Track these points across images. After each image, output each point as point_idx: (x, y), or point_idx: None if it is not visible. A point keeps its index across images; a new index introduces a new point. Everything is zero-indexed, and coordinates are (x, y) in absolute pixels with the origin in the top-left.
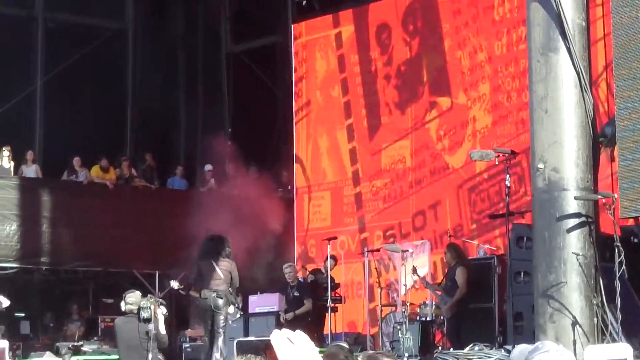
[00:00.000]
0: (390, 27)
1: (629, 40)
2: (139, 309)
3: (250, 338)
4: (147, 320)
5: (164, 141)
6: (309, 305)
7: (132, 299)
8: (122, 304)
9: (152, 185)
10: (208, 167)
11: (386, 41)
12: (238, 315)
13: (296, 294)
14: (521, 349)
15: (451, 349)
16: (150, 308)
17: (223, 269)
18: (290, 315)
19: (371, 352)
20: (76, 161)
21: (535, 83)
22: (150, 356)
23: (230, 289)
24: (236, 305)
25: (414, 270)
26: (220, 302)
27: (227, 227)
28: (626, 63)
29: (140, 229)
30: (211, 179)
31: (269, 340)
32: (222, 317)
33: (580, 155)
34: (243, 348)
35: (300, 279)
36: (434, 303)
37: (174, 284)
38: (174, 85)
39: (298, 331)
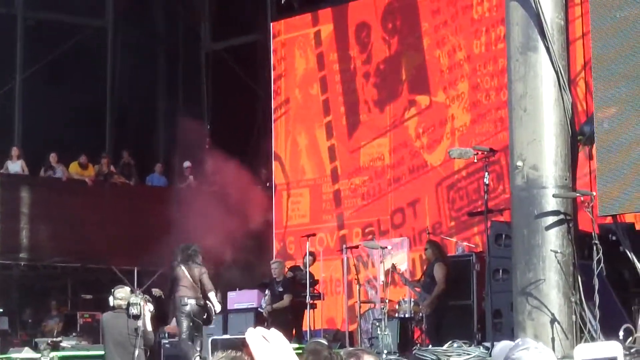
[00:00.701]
0: (369, 25)
1: (608, 39)
2: (128, 305)
3: (225, 336)
4: (137, 317)
5: (143, 139)
6: (287, 301)
7: (122, 294)
8: (111, 299)
9: (130, 182)
10: (187, 163)
11: (365, 39)
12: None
13: (280, 289)
14: (502, 346)
15: (430, 346)
16: (140, 304)
17: (194, 275)
18: (268, 309)
19: (351, 348)
20: (52, 157)
21: (514, 82)
22: (137, 352)
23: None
24: (212, 314)
25: (394, 267)
26: (198, 310)
27: (205, 223)
28: (605, 61)
29: (119, 226)
30: (190, 175)
31: (244, 338)
32: (201, 325)
33: (559, 154)
34: (218, 346)
35: (289, 275)
36: (412, 300)
37: (156, 292)
38: (154, 83)
39: (273, 329)
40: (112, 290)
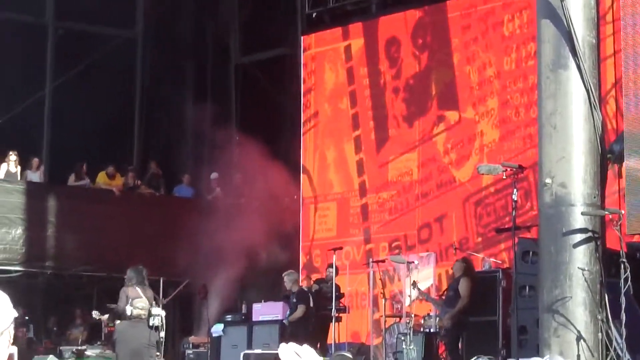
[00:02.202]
0: (399, 40)
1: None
2: (149, 315)
3: (257, 351)
4: (157, 328)
5: (170, 150)
6: (301, 312)
7: (142, 304)
8: (129, 308)
9: (157, 193)
10: (214, 175)
11: (395, 55)
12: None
13: (294, 300)
14: None
15: None
16: (161, 316)
17: (148, 297)
18: (285, 322)
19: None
20: (83, 167)
21: (545, 99)
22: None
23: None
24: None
25: (414, 285)
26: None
27: (232, 235)
28: (635, 80)
29: (145, 236)
30: (217, 187)
31: (276, 353)
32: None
33: (588, 171)
34: None
35: (302, 287)
36: (437, 315)
37: (95, 314)
38: (182, 95)
39: (305, 345)
40: (131, 299)
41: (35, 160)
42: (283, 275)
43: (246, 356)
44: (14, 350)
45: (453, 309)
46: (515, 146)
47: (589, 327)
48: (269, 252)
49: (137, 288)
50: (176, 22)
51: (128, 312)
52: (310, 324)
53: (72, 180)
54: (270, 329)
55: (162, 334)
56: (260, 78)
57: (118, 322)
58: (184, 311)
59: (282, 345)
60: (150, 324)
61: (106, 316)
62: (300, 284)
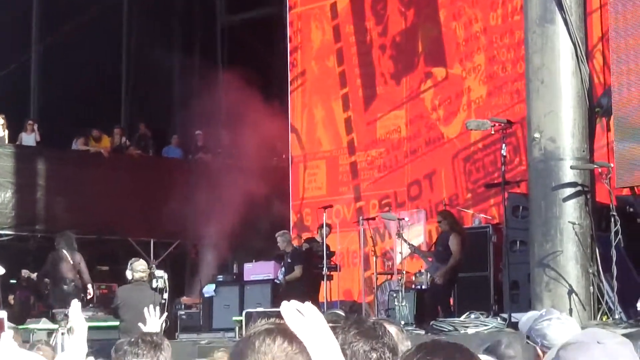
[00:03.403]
0: None
1: (626, 11)
2: (151, 278)
3: (259, 309)
4: (161, 290)
5: (159, 111)
6: (298, 272)
7: (142, 267)
8: (129, 272)
9: (146, 154)
10: (198, 132)
11: (381, 12)
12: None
13: (289, 260)
14: (528, 316)
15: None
16: (164, 278)
17: (75, 260)
18: (282, 281)
19: (375, 318)
20: (81, 142)
21: (532, 54)
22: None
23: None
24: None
25: (399, 234)
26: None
27: (221, 194)
28: (623, 34)
29: (135, 198)
30: (201, 143)
31: (278, 312)
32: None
33: (577, 125)
34: (252, 318)
35: (296, 247)
36: (427, 270)
37: (25, 273)
38: (169, 55)
39: (307, 303)
40: (130, 263)
41: (30, 123)
42: (276, 235)
43: (248, 314)
44: (4, 315)
45: (444, 265)
46: (502, 102)
47: (581, 280)
48: (259, 211)
49: (66, 252)
50: None
51: (129, 276)
52: (302, 282)
53: (80, 144)
54: (262, 289)
55: (166, 295)
56: (247, 37)
57: (120, 286)
58: (175, 272)
59: (284, 303)
60: (154, 286)
61: (35, 274)
62: (292, 243)
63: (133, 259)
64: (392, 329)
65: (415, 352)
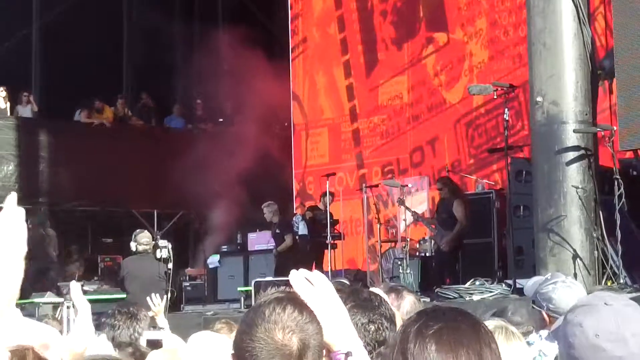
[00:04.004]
0: None
1: None
2: (155, 248)
3: (269, 278)
4: (165, 260)
5: (160, 81)
6: (289, 241)
7: (146, 239)
8: (133, 244)
9: (150, 124)
10: (198, 101)
11: None
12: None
13: (277, 231)
14: (534, 280)
15: (450, 283)
16: (168, 248)
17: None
18: (274, 252)
19: (393, 284)
20: (84, 114)
21: (533, 16)
22: (168, 295)
23: None
24: None
25: (401, 202)
26: None
27: (224, 164)
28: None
29: (138, 169)
30: (201, 112)
31: (287, 280)
32: None
33: (579, 88)
34: (261, 287)
35: (308, 214)
36: (431, 237)
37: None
38: (170, 22)
39: (316, 271)
40: (134, 235)
41: (25, 95)
42: (262, 206)
43: (257, 284)
44: None
45: (449, 232)
46: (504, 66)
47: (585, 245)
48: (262, 180)
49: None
50: None
51: (133, 248)
52: (301, 252)
53: (84, 116)
54: (266, 258)
55: (170, 265)
56: (248, 4)
57: (125, 258)
58: (179, 243)
59: (293, 271)
60: (158, 256)
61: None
62: (295, 212)
63: (137, 230)
64: (410, 298)
65: (417, 319)
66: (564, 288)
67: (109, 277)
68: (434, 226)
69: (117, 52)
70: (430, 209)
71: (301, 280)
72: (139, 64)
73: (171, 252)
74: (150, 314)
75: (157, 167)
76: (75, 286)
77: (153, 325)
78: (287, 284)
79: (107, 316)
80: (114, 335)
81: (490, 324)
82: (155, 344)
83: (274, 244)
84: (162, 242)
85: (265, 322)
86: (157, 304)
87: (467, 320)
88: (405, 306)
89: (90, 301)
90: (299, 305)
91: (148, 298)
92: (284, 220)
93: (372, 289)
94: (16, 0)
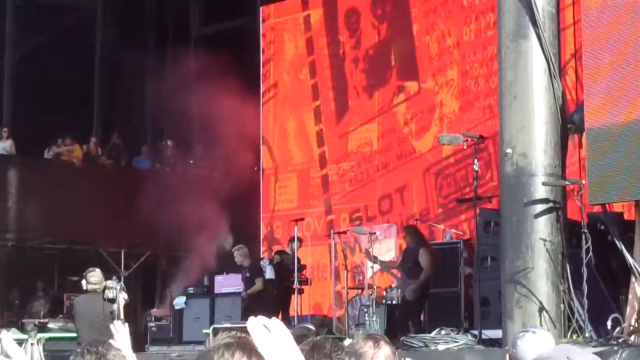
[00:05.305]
0: (359, 11)
1: (599, 28)
2: (104, 289)
3: (226, 324)
4: (112, 301)
5: (130, 121)
6: (259, 285)
7: (95, 278)
8: (84, 282)
9: (119, 164)
10: (169, 142)
11: (355, 25)
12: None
13: (248, 275)
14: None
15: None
16: (115, 288)
17: None
18: (243, 295)
19: (372, 332)
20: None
21: (505, 69)
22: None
23: None
24: None
25: (367, 253)
26: None
27: (192, 206)
28: (596, 51)
29: (106, 207)
30: (171, 154)
31: (245, 326)
32: None
33: (549, 141)
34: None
35: (277, 259)
36: (397, 286)
37: None
38: (142, 66)
39: (274, 318)
40: (85, 273)
41: (5, 130)
42: (233, 250)
43: (215, 330)
44: None
45: (414, 281)
46: (475, 117)
47: (551, 298)
48: (229, 223)
49: None
50: None
51: (84, 287)
52: (269, 297)
53: (54, 151)
54: (232, 301)
55: (115, 306)
56: (220, 49)
57: (76, 297)
58: (146, 283)
59: (251, 318)
60: (105, 296)
61: None
62: (262, 256)
63: (89, 269)
64: (386, 349)
65: None
66: (529, 337)
67: (72, 316)
68: (399, 275)
69: (88, 92)
70: (398, 257)
71: (259, 326)
72: (110, 103)
73: (117, 293)
74: (115, 342)
75: (126, 206)
76: (6, 336)
77: None
78: (244, 329)
79: (75, 355)
80: None
81: None
82: None
83: (242, 287)
84: (111, 283)
85: None
86: (120, 329)
87: None
88: (380, 357)
89: (55, 339)
90: (248, 350)
91: (111, 325)
92: (255, 264)
93: (347, 339)
94: None
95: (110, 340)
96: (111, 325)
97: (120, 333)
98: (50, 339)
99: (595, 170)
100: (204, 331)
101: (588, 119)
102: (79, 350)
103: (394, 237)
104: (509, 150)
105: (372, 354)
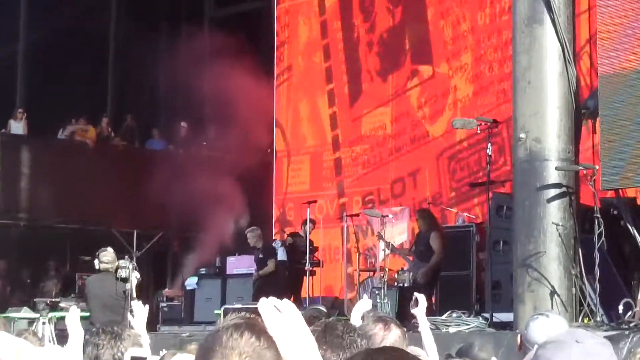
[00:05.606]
0: None
1: (614, 14)
2: (117, 268)
3: (237, 305)
4: (125, 280)
5: (145, 103)
6: (272, 266)
7: (108, 257)
8: (96, 262)
9: (132, 145)
10: (183, 123)
11: (369, 8)
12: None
13: (260, 256)
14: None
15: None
16: (128, 268)
17: None
18: (255, 275)
19: (382, 314)
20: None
21: (519, 54)
22: (127, 314)
23: None
24: None
25: (380, 236)
26: None
27: (204, 187)
28: (610, 36)
29: (119, 188)
30: (186, 135)
31: (256, 307)
32: None
33: (562, 127)
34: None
35: (289, 240)
36: (408, 269)
37: None
38: (156, 48)
39: (285, 300)
40: (97, 253)
41: (20, 111)
42: (246, 231)
43: (226, 311)
44: None
45: (425, 264)
46: (488, 101)
47: (563, 282)
48: (242, 205)
49: None
50: None
51: (96, 267)
52: (280, 278)
53: (68, 132)
54: (244, 283)
55: (128, 285)
56: (234, 31)
57: (89, 277)
58: (158, 264)
59: (262, 299)
60: (117, 276)
61: None
62: (274, 238)
63: (101, 249)
64: (396, 332)
65: (362, 353)
66: (542, 319)
67: (84, 296)
68: (411, 258)
69: (102, 73)
70: (410, 240)
71: (270, 308)
72: (124, 86)
73: (130, 273)
74: (134, 320)
75: (139, 187)
76: (73, 311)
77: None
78: (257, 310)
79: (90, 334)
80: (97, 354)
81: None
82: None
83: (255, 268)
84: (123, 262)
85: (223, 348)
86: (139, 309)
87: (404, 356)
88: (390, 339)
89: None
90: (257, 331)
91: (133, 302)
92: (268, 245)
93: (354, 318)
94: (2, 18)
95: (129, 318)
96: (133, 303)
97: (139, 313)
98: (61, 318)
99: (608, 155)
100: (215, 312)
101: (602, 104)
102: (93, 330)
103: (406, 220)
104: (522, 135)
105: (382, 336)
